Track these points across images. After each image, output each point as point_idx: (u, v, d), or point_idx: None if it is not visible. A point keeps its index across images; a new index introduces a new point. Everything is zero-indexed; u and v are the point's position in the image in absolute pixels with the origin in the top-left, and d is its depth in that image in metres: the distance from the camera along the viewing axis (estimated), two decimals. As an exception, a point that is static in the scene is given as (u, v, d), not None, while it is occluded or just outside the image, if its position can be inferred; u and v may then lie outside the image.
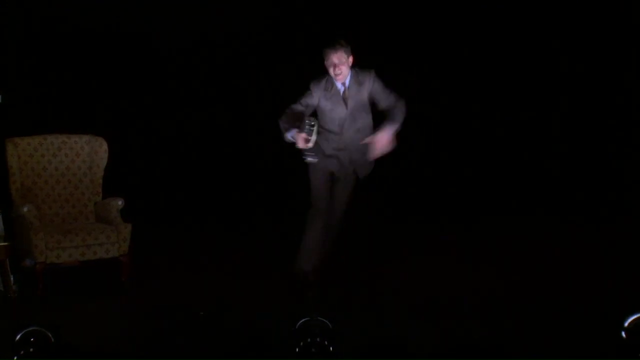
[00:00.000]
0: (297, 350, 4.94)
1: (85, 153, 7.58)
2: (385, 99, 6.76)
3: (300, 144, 6.54)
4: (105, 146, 7.59)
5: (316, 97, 6.76)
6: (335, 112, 6.78)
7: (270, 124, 10.37)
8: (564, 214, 9.71)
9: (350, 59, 6.68)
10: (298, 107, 6.75)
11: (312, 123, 6.61)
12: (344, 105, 6.74)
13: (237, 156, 10.39)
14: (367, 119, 6.85)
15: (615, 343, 5.07)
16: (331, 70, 6.64)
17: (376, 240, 8.49)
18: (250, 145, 10.44)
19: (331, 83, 6.74)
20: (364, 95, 6.77)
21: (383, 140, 6.55)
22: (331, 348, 4.94)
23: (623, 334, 5.07)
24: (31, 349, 4.89)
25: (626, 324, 5.08)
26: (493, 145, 10.46)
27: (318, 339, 4.97)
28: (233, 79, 10.26)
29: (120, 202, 7.27)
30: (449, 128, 10.52)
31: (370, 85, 6.76)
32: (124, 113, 9.88)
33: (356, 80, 6.75)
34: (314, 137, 6.60)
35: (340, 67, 6.61)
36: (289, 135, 6.59)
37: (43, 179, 7.40)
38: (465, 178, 10.39)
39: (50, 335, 4.97)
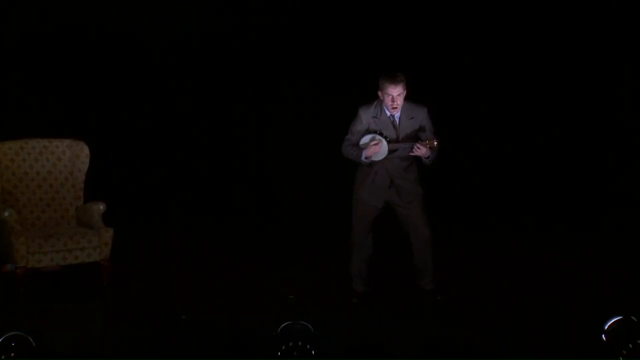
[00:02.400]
0: (279, 353, 4.96)
1: (67, 157, 7.57)
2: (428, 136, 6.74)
3: (375, 149, 6.58)
4: (86, 150, 7.58)
5: (365, 122, 6.70)
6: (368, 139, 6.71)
7: (253, 128, 10.50)
8: (550, 221, 9.76)
9: (405, 92, 6.65)
10: (352, 137, 6.73)
11: (375, 134, 6.64)
12: (394, 131, 6.68)
13: (220, 160, 10.38)
14: (411, 158, 6.75)
15: (597, 345, 5.12)
16: (388, 102, 6.59)
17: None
18: (233, 148, 10.43)
19: (380, 109, 6.69)
20: (415, 128, 6.71)
21: (422, 152, 6.57)
22: (313, 351, 4.96)
23: (603, 337, 5.12)
24: (12, 354, 4.88)
25: (606, 327, 5.13)
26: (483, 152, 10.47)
27: (300, 343, 4.98)
28: (216, 83, 10.25)
29: (101, 207, 7.26)
30: (449, 135, 10.54)
31: (423, 122, 6.73)
32: (106, 117, 9.85)
33: (408, 112, 6.70)
34: (384, 142, 6.60)
35: (398, 100, 6.57)
36: (364, 157, 6.62)
37: (24, 184, 7.38)
38: (450, 182, 10.42)
39: (31, 340, 4.96)
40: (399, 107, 6.62)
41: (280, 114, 10.23)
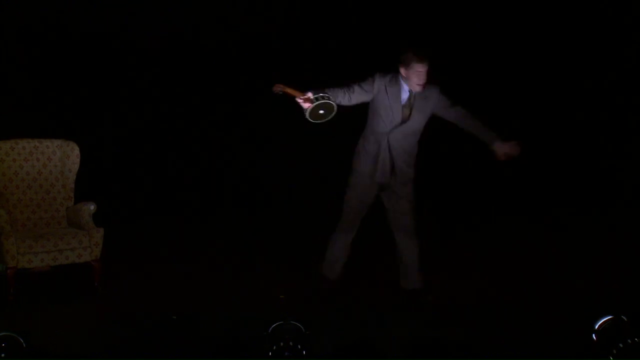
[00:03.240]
0: (270, 353, 4.96)
1: (57, 158, 7.55)
2: (454, 112, 6.61)
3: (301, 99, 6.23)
4: (77, 151, 7.56)
5: (376, 87, 6.48)
6: (389, 111, 6.53)
7: (243, 127, 10.50)
8: (540, 220, 9.79)
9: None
10: (350, 89, 6.44)
11: (325, 96, 6.22)
12: (402, 110, 6.52)
13: (210, 159, 10.39)
14: (415, 139, 6.66)
15: (587, 344, 5.13)
16: (414, 80, 6.40)
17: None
18: (224, 147, 10.44)
19: (396, 81, 6.51)
20: (428, 111, 6.59)
21: (506, 149, 6.50)
22: (304, 351, 4.96)
23: (594, 336, 5.14)
24: (2, 354, 4.87)
25: (596, 327, 5.15)
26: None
27: (291, 343, 4.98)
28: (205, 82, 10.26)
29: (92, 207, 7.25)
30: (444, 133, 10.55)
31: (436, 102, 6.58)
32: (96, 118, 9.85)
33: (423, 92, 6.52)
34: (315, 102, 6.16)
35: (425, 77, 6.40)
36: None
37: (14, 184, 7.36)
38: (443, 180, 10.44)
39: (21, 341, 4.94)
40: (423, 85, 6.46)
41: (268, 112, 10.23)
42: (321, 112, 6.25)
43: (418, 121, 6.59)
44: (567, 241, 8.86)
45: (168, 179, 10.23)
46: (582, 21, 10.26)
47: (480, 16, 10.28)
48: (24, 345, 4.94)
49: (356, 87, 6.46)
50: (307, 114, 6.24)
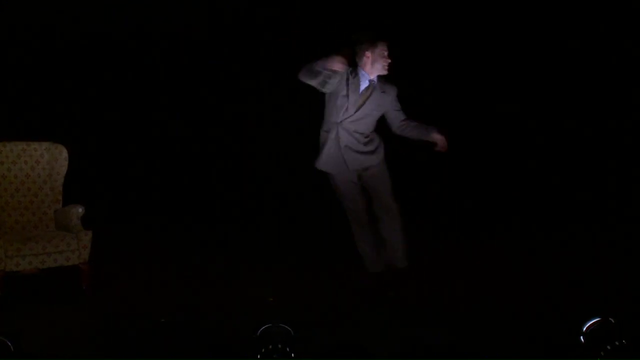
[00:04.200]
0: (258, 356, 4.96)
1: (45, 160, 7.53)
2: (400, 115, 6.68)
3: (340, 67, 6.24)
4: (65, 153, 7.55)
5: (344, 78, 6.47)
6: (344, 101, 6.54)
7: (234, 129, 10.49)
8: (529, 223, 9.82)
9: None
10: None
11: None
12: (358, 100, 6.53)
13: (200, 162, 10.39)
14: (367, 129, 6.68)
15: (575, 346, 5.15)
16: (382, 62, 6.45)
17: (340, 244, 8.52)
18: (214, 150, 10.44)
19: (356, 73, 6.53)
20: (383, 105, 6.63)
21: (438, 137, 6.54)
22: (293, 354, 4.96)
23: (581, 338, 5.16)
24: (-10, 358, 4.86)
25: (584, 329, 5.16)
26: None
27: (280, 345, 4.98)
28: (190, 85, 10.26)
29: (80, 210, 7.23)
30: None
31: (392, 100, 6.65)
32: (84, 120, 9.84)
33: (382, 85, 6.60)
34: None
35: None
36: (324, 68, 6.24)
37: (2, 187, 7.34)
38: (432, 184, 10.46)
39: (9, 344, 4.93)
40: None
41: (259, 114, 10.25)
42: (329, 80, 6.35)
43: (371, 113, 6.61)
44: (553, 243, 8.90)
45: (157, 181, 10.21)
46: (581, 21, 10.28)
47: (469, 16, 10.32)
48: (12, 348, 4.92)
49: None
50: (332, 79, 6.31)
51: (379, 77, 6.60)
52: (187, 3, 9.79)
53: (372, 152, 6.68)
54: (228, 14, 10.09)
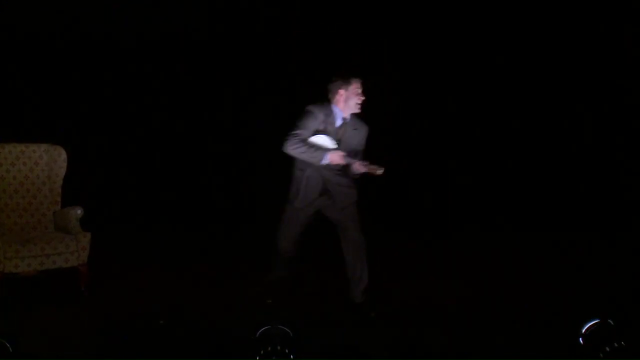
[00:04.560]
0: (257, 357, 4.96)
1: (44, 162, 7.53)
2: (360, 154, 6.57)
3: (340, 160, 6.30)
4: (64, 155, 7.55)
5: (319, 120, 6.40)
6: (323, 141, 6.47)
7: (231, 131, 10.49)
8: (525, 223, 9.82)
9: None
10: (306, 133, 6.36)
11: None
12: (336, 138, 6.44)
13: (198, 163, 10.39)
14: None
15: (574, 348, 5.16)
16: (356, 100, 6.38)
17: (335, 248, 8.52)
18: (211, 152, 10.44)
19: (331, 111, 6.45)
20: (354, 142, 6.52)
21: (361, 168, 6.36)
22: (291, 356, 4.96)
23: (580, 340, 5.16)
24: (-11, 360, 4.86)
25: (583, 331, 5.17)
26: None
27: (278, 347, 4.98)
28: (189, 88, 10.26)
29: (79, 211, 7.23)
30: (424, 142, 10.58)
31: (362, 138, 6.56)
32: (83, 122, 9.83)
33: (354, 122, 6.51)
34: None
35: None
36: (325, 161, 6.31)
37: (1, 188, 7.34)
38: (422, 188, 10.46)
39: (8, 346, 4.93)
40: None
41: (259, 115, 10.26)
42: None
43: (346, 149, 6.45)
44: (551, 244, 8.91)
45: (155, 183, 10.21)
46: (582, 21, 10.29)
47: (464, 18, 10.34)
48: (11, 350, 4.92)
49: (306, 132, 6.37)
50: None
51: (352, 114, 6.50)
52: (187, 3, 9.79)
53: (353, 187, 6.61)
54: (228, 14, 10.09)
